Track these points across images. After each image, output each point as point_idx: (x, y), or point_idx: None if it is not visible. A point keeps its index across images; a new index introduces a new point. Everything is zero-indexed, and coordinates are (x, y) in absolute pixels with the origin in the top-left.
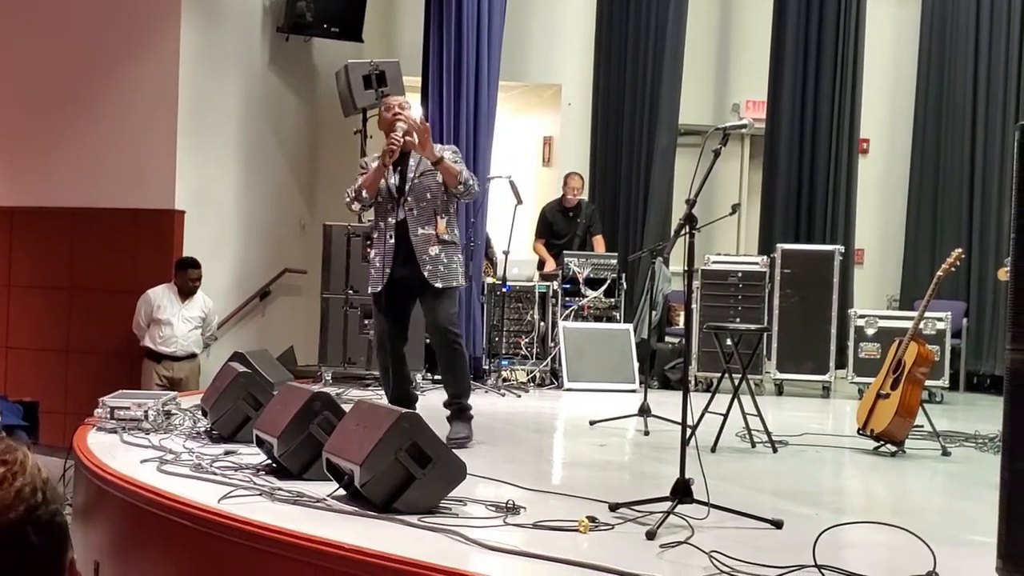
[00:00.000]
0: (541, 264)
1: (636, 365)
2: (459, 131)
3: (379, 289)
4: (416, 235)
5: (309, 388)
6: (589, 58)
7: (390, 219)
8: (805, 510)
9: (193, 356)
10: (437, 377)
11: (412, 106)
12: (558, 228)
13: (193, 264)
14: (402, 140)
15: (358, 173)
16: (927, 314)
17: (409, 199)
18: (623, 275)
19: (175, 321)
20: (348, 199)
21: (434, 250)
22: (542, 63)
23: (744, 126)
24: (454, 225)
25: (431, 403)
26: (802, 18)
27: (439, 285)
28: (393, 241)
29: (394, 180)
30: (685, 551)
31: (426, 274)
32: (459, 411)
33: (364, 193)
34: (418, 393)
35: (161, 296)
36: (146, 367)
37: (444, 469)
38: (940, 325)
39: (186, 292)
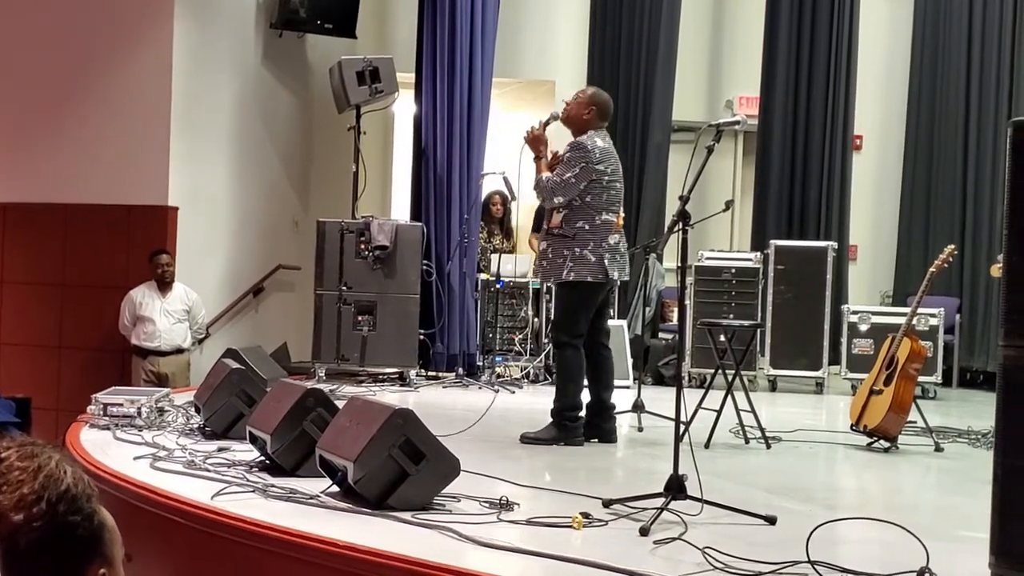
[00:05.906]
0: None
1: (630, 361)
2: (452, 127)
3: None
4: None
5: (302, 385)
6: (583, 54)
7: None
8: (798, 506)
9: (180, 351)
10: (430, 374)
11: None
12: None
13: (160, 251)
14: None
15: None
16: (920, 310)
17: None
18: None
19: (156, 316)
20: None
21: (543, 245)
22: (536, 59)
23: (737, 123)
24: (575, 217)
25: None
26: (795, 14)
27: (548, 283)
28: None
29: None
30: (678, 547)
31: (540, 273)
32: (552, 412)
33: None
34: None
35: (142, 294)
36: (135, 363)
37: (437, 465)
38: (933, 321)
39: (163, 283)
